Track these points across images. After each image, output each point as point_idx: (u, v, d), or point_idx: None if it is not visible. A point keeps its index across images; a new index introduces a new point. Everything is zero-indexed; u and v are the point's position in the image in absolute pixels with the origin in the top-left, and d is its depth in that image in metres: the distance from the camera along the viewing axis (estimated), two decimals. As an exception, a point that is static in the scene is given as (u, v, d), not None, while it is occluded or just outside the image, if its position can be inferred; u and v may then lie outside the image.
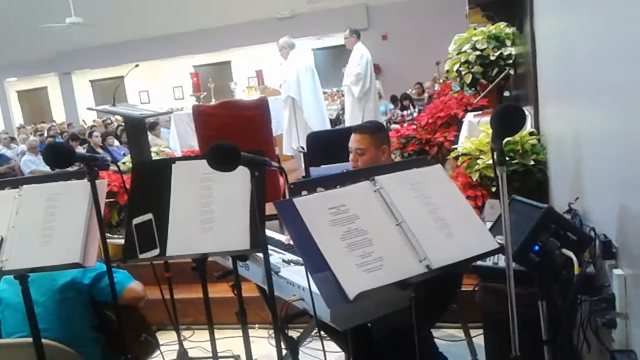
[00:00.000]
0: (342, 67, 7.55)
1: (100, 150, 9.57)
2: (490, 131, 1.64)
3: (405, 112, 11.29)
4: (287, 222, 1.58)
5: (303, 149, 5.60)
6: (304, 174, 5.47)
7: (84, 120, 18.91)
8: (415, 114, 10.51)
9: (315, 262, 1.48)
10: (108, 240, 2.19)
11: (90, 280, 2.52)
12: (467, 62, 4.48)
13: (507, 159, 1.76)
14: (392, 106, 12.24)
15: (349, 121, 7.31)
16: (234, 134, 4.29)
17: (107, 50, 17.64)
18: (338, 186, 1.71)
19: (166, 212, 2.12)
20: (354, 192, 1.67)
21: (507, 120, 1.58)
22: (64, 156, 2.13)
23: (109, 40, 17.18)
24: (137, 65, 5.60)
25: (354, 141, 2.85)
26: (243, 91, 9.26)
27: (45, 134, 14.55)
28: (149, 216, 2.12)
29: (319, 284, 1.46)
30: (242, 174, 1.84)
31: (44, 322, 2.30)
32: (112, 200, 4.83)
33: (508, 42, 4.46)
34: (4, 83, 20.43)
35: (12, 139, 13.87)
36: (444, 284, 2.43)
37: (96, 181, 2.11)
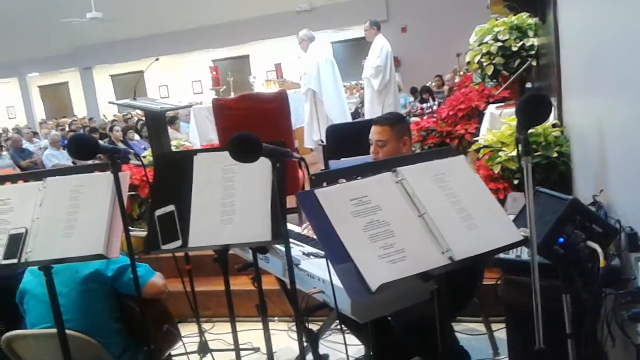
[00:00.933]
0: (360, 60, 7.50)
1: (120, 145, 9.65)
2: (514, 122, 1.62)
3: (424, 105, 11.22)
4: (309, 213, 1.57)
5: (322, 141, 5.58)
6: (323, 167, 5.46)
7: (104, 115, 19.12)
8: (434, 107, 10.44)
9: (337, 254, 1.47)
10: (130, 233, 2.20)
11: (113, 273, 2.54)
12: (488, 53, 4.42)
13: (530, 150, 1.72)
14: (411, 99, 12.17)
15: (368, 114, 7.26)
16: (253, 126, 4.25)
17: (127, 45, 17.81)
18: (359, 177, 1.69)
19: (188, 204, 2.13)
20: (375, 183, 1.66)
21: (533, 109, 1.55)
22: (88, 147, 2.14)
23: (129, 35, 17.33)
24: (157, 59, 5.60)
25: (374, 133, 2.82)
26: (262, 84, 9.28)
27: (67, 129, 14.74)
28: (171, 208, 2.13)
29: (341, 276, 1.45)
30: (263, 165, 1.84)
31: (67, 313, 2.33)
32: (133, 193, 4.87)
33: (530, 33, 4.40)
34: (25, 78, 20.74)
35: (35, 134, 14.09)
36: (466, 277, 2.41)
37: (119, 173, 2.12)
